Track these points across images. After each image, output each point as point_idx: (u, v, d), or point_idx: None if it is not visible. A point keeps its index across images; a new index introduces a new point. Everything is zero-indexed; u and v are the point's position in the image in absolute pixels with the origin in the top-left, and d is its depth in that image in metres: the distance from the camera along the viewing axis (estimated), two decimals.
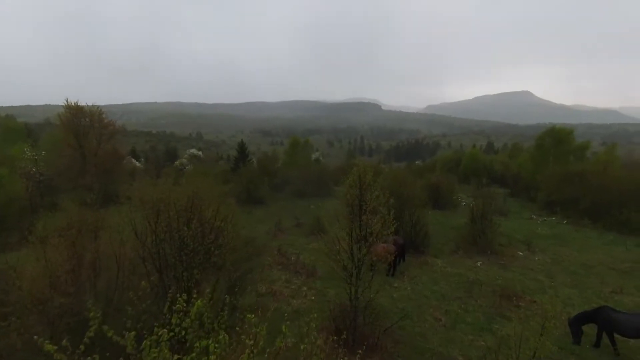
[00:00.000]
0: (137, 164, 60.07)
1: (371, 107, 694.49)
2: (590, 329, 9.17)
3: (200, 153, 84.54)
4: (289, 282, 12.42)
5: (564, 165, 29.95)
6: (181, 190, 7.95)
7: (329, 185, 30.75)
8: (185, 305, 3.22)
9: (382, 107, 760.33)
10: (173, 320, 3.13)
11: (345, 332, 8.38)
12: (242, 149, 47.28)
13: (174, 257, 7.23)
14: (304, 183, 30.58)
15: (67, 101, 24.92)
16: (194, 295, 3.92)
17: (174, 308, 3.20)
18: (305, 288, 11.90)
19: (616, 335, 8.60)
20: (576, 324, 8.93)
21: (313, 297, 11.26)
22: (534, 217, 24.46)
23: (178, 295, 3.34)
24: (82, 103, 25.43)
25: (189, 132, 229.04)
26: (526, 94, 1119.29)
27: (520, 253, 16.22)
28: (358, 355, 4.77)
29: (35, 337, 3.08)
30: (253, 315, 3.55)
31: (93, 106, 26.16)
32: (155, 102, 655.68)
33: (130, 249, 7.72)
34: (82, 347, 2.85)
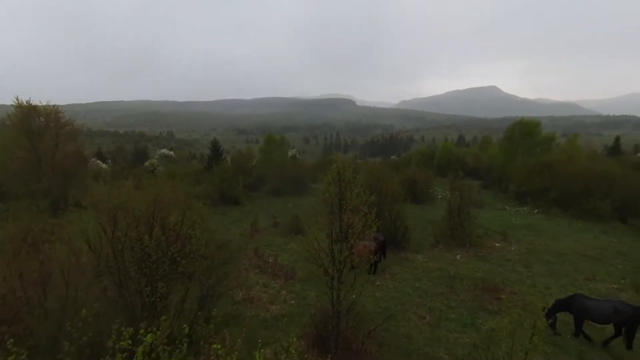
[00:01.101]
0: (104, 165, 56.85)
1: (346, 103, 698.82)
2: (569, 318, 9.23)
3: (171, 153, 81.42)
4: (267, 286, 11.80)
5: (532, 157, 30.94)
6: (142, 194, 7.12)
7: (307, 182, 30.21)
8: (131, 343, 2.58)
9: (357, 103, 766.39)
10: None
11: (327, 339, 7.93)
12: (215, 147, 45.69)
13: (135, 270, 6.45)
14: (281, 181, 29.86)
15: (17, 100, 22.77)
16: (158, 309, 3.30)
17: (117, 347, 2.55)
18: (284, 292, 11.33)
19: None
20: (552, 313, 9.03)
21: (293, 302, 10.71)
22: (507, 207, 25.07)
23: (123, 328, 2.69)
24: (39, 102, 23.33)
25: (160, 131, 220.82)
26: (493, 88, 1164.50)
27: (497, 244, 16.41)
28: None
29: None
30: (219, 346, 2.95)
31: (48, 105, 24.08)
32: (122, 101, 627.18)
33: (86, 261, 6.86)
34: None
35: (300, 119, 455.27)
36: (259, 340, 4.49)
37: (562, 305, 9.00)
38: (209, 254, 8.83)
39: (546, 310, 9.04)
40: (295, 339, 4.32)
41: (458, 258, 14.58)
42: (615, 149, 51.25)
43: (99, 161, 58.24)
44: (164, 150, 78.98)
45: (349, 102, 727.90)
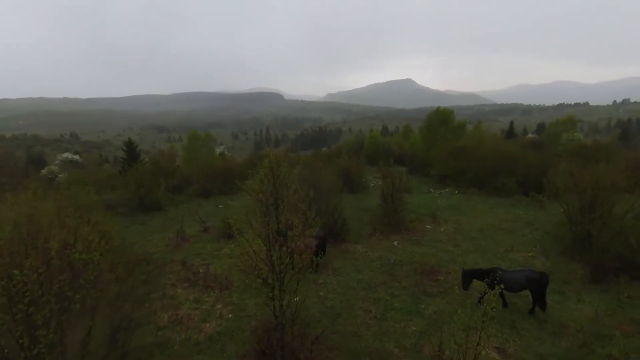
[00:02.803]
0: None
1: (274, 97, 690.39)
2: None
3: (77, 157, 70.63)
4: (199, 301, 10.41)
5: (449, 142, 33.69)
6: (8, 213, 5.33)
7: (238, 180, 28.42)
8: None
9: (285, 97, 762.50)
10: None
11: (272, 354, 7.10)
12: (130, 148, 40.59)
13: (5, 314, 4.78)
14: (209, 181, 27.63)
15: None
16: None
17: None
18: (219, 305, 10.09)
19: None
20: (468, 276, 9.70)
21: (230, 316, 9.57)
22: (432, 190, 26.81)
23: None
24: None
25: (60, 133, 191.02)
26: (409, 81, 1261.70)
27: (428, 226, 17.21)
28: None
29: None
30: None
31: None
32: (6, 99, 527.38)
33: None
34: None
35: (226, 114, 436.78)
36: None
37: (480, 274, 9.62)
38: (120, 277, 7.24)
39: (463, 270, 9.94)
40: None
41: (395, 244, 14.85)
42: (510, 133, 59.10)
43: None
44: (67, 155, 68.02)
45: (277, 96, 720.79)
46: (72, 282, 5.15)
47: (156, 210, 21.88)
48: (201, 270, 12.28)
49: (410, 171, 36.72)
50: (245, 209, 7.13)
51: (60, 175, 46.51)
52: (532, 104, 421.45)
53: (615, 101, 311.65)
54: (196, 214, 18.94)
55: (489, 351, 7.56)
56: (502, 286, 7.39)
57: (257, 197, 6.31)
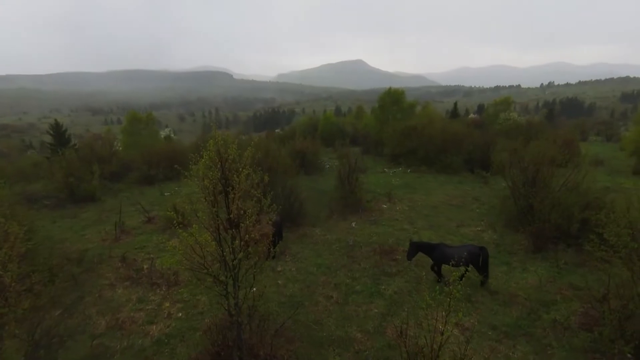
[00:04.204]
0: None
1: (222, 77, 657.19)
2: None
3: None
4: (144, 301, 9.36)
5: (400, 122, 34.40)
6: None
7: (186, 165, 26.37)
8: None
9: (234, 77, 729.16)
10: None
11: (229, 355, 6.50)
12: (58, 132, 35.85)
13: None
14: (152, 166, 25.36)
15: None
16: None
17: None
18: (167, 304, 9.16)
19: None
20: (415, 248, 10.05)
21: (180, 314, 8.71)
22: (386, 170, 27.27)
23: None
24: None
25: None
26: (360, 62, 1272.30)
27: (384, 206, 17.38)
28: None
29: None
30: None
31: None
32: None
33: None
34: None
35: (171, 94, 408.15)
36: None
37: (426, 248, 10.03)
38: (37, 285, 6.05)
39: (411, 241, 10.26)
40: None
41: (354, 225, 14.75)
42: (454, 113, 62.27)
43: None
44: None
45: (226, 76, 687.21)
46: None
47: (90, 201, 19.56)
48: (145, 266, 11.08)
49: (364, 151, 37.10)
50: (190, 199, 6.25)
51: None
52: (473, 86, 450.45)
53: (542, 84, 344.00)
54: (138, 204, 17.19)
55: (450, 328, 7.67)
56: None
57: (202, 185, 5.48)
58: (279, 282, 10.22)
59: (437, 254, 9.87)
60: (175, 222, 5.55)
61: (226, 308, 6.20)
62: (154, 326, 8.26)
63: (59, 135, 35.42)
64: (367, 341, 7.63)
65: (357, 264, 11.21)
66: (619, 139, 40.65)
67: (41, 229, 14.10)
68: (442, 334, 5.28)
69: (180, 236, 5.32)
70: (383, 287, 9.80)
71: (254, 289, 7.19)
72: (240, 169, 5.69)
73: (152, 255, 11.89)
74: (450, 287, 5.18)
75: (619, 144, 36.54)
